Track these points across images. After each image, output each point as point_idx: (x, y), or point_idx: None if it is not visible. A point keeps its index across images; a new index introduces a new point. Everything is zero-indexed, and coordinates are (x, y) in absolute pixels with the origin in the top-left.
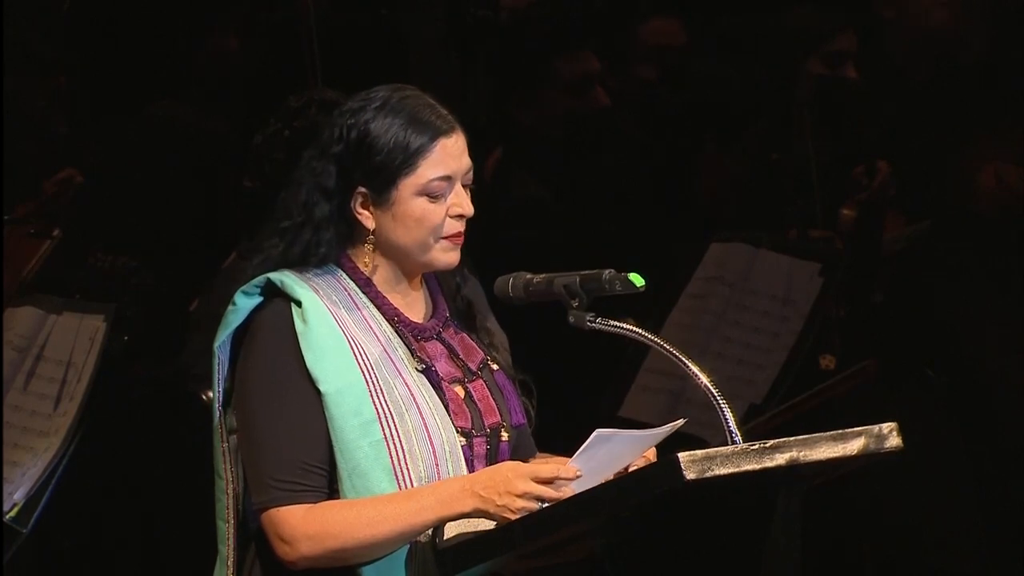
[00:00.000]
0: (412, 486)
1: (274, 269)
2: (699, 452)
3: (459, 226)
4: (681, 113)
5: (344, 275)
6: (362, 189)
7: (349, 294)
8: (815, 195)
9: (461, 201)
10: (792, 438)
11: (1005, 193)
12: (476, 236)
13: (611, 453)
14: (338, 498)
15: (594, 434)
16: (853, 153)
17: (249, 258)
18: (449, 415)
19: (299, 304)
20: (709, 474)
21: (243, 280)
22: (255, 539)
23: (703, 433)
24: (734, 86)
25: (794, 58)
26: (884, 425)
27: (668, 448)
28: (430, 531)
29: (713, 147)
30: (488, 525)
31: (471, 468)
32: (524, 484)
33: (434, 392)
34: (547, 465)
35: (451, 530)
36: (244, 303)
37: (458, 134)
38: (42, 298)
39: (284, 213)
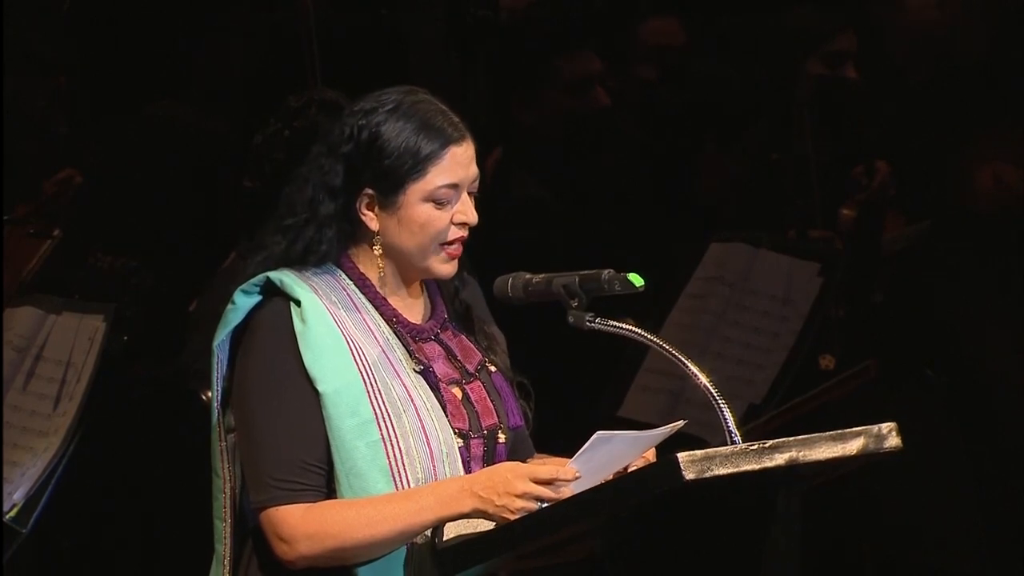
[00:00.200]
0: (409, 487)
1: (275, 267)
2: (698, 452)
3: (462, 233)
4: (681, 113)
5: (343, 275)
6: (369, 190)
7: (348, 294)
8: (815, 195)
9: (466, 209)
10: (791, 438)
11: (1004, 193)
12: (476, 236)
13: (611, 454)
14: (335, 498)
15: (594, 436)
16: (853, 153)
17: (250, 256)
18: (446, 416)
19: (298, 303)
20: (708, 474)
21: (244, 279)
22: (252, 538)
23: (703, 433)
24: (734, 86)
25: (794, 58)
26: (883, 425)
27: (668, 448)
28: (428, 532)
29: (713, 147)
30: (487, 525)
31: (468, 469)
32: (523, 485)
33: (431, 393)
34: (546, 466)
35: (450, 530)
36: (243, 302)
37: (468, 142)
38: (42, 298)
39: (288, 210)
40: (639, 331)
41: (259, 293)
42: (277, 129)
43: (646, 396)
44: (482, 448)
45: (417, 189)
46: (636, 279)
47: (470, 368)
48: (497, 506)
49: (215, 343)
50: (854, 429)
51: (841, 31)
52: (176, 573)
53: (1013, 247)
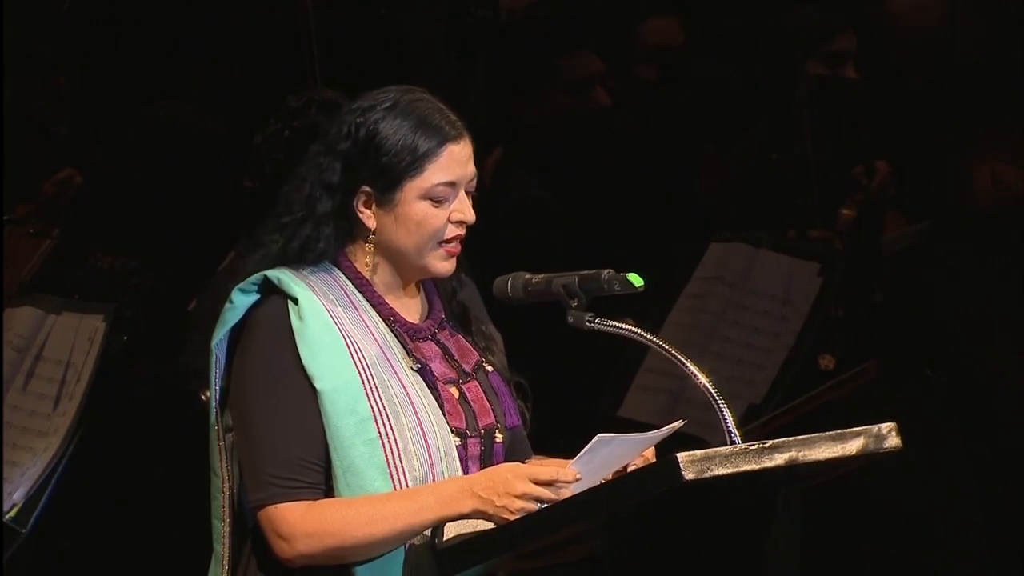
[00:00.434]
0: (406, 485)
1: (272, 266)
2: (698, 452)
3: (459, 232)
4: (681, 113)
5: (341, 274)
6: (366, 188)
7: (346, 293)
8: (815, 195)
9: (463, 208)
10: (791, 438)
11: (1004, 193)
12: (476, 236)
13: (611, 456)
14: (333, 496)
15: (595, 439)
16: (853, 153)
17: (248, 255)
18: (444, 415)
19: (296, 302)
20: (708, 474)
21: (242, 277)
22: (251, 537)
23: (703, 433)
24: (734, 86)
25: (794, 58)
26: (883, 425)
27: (668, 448)
28: (427, 532)
29: (713, 147)
30: (487, 525)
31: (465, 468)
32: (523, 485)
33: (429, 392)
34: (547, 467)
35: (450, 530)
36: (241, 301)
37: (465, 141)
38: (42, 298)
39: (286, 208)
40: (639, 331)
41: (257, 292)
42: (277, 129)
43: (646, 396)
44: (479, 447)
45: (414, 186)
46: (636, 279)
47: (467, 368)
48: (497, 507)
49: (213, 342)
50: (854, 429)
51: (841, 31)
52: (176, 573)
53: (1013, 247)
